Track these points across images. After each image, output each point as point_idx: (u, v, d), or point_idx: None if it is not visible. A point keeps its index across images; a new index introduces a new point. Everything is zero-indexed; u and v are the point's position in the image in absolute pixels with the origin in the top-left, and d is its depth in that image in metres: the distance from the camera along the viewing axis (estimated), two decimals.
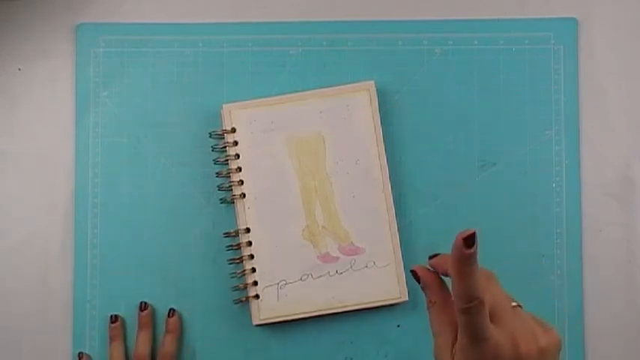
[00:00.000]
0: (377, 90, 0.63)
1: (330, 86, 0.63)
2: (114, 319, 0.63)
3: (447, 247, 0.64)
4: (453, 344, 0.40)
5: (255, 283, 0.62)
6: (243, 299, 0.62)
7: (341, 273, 0.62)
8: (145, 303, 0.63)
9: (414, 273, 0.44)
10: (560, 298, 0.63)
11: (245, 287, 0.62)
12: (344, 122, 0.63)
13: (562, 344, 0.41)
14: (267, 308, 0.62)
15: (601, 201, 0.64)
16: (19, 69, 0.65)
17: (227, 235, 0.63)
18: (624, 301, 0.64)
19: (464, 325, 0.39)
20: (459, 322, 0.39)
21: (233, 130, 0.63)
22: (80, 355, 0.63)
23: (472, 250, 0.37)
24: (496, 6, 0.65)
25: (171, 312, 0.63)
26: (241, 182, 0.63)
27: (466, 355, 0.39)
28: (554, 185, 0.64)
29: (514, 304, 0.41)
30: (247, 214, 0.62)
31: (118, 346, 0.62)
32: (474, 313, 0.38)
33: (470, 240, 0.37)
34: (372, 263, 0.62)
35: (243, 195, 0.62)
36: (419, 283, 0.44)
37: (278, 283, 0.62)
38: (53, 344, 0.64)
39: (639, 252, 0.64)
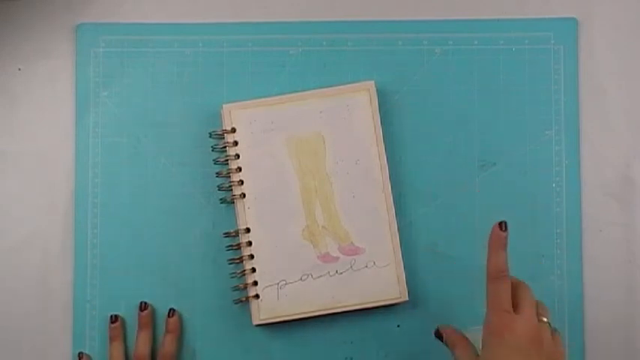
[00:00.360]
0: (377, 90, 0.63)
1: (330, 86, 0.63)
2: (114, 319, 0.63)
3: (447, 247, 0.64)
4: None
5: (255, 283, 0.62)
6: (243, 299, 0.62)
7: (341, 273, 0.62)
8: (145, 303, 0.63)
9: (437, 332, 0.56)
10: (560, 298, 0.63)
11: (245, 287, 0.62)
12: (344, 122, 0.63)
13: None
14: (267, 308, 0.62)
15: (601, 201, 0.64)
16: (19, 69, 0.65)
17: (227, 235, 0.63)
18: (624, 301, 0.64)
19: (491, 294, 0.51)
20: (487, 295, 0.51)
21: (233, 130, 0.63)
22: (80, 355, 0.63)
23: (505, 233, 0.52)
24: (496, 6, 0.65)
25: (171, 312, 0.63)
26: (241, 182, 0.63)
27: (489, 325, 0.50)
28: (554, 185, 0.64)
29: (544, 319, 0.51)
30: (247, 214, 0.62)
31: (118, 346, 0.62)
32: (499, 282, 0.51)
33: (504, 225, 0.52)
34: (372, 263, 0.62)
35: (243, 195, 0.62)
36: (442, 340, 0.55)
37: (278, 283, 0.62)
38: (53, 344, 0.64)
39: (639, 252, 0.64)
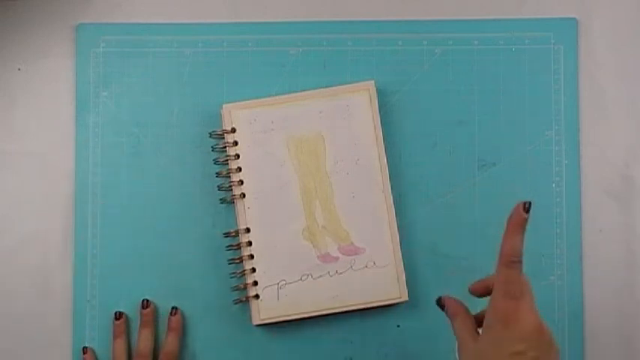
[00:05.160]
0: (377, 90, 0.63)
1: (330, 86, 0.63)
2: (118, 315, 0.63)
3: (447, 247, 0.64)
4: (474, 337, 0.49)
5: (255, 283, 0.62)
6: (243, 299, 0.62)
7: (341, 273, 0.62)
8: (147, 301, 0.63)
9: (439, 300, 0.53)
10: (560, 298, 0.63)
11: (245, 287, 0.62)
12: (344, 122, 0.63)
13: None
14: (267, 308, 0.62)
15: (601, 201, 0.64)
16: (19, 69, 0.65)
17: (227, 235, 0.63)
18: (624, 301, 0.64)
19: (503, 279, 0.48)
20: (497, 279, 0.48)
21: (233, 130, 0.63)
22: (85, 349, 0.63)
23: (527, 215, 0.48)
24: (496, 6, 0.65)
25: (174, 310, 0.63)
26: (241, 182, 0.63)
27: (495, 310, 0.47)
28: (554, 185, 0.64)
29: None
30: (247, 214, 0.62)
31: (121, 343, 0.62)
32: (514, 267, 0.48)
33: (528, 206, 0.48)
34: (372, 263, 0.62)
35: (243, 195, 0.62)
36: (443, 309, 0.52)
37: (278, 283, 0.62)
38: (53, 344, 0.64)
39: (639, 252, 0.64)
